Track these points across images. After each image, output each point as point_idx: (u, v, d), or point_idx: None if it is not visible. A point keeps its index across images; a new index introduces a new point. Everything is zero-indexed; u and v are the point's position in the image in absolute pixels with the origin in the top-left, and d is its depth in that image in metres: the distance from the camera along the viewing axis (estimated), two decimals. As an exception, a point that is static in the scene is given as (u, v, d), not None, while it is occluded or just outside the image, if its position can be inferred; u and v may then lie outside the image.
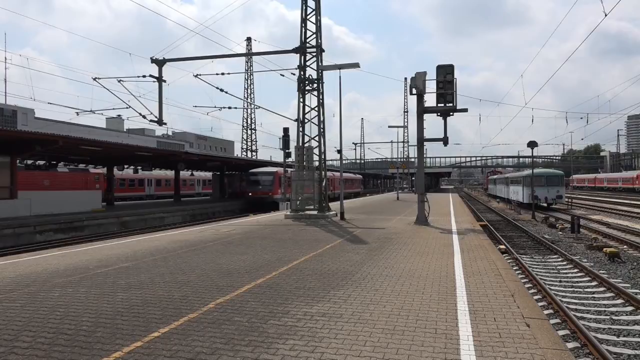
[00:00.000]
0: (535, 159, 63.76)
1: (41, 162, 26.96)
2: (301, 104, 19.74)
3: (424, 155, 17.38)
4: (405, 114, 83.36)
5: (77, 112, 28.11)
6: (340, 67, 17.80)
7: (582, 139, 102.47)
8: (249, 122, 65.38)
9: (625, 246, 16.11)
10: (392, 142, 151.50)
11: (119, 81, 19.57)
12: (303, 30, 19.58)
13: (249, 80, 63.75)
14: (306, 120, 20.11)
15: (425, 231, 13.64)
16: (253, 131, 65.55)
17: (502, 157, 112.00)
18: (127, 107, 20.85)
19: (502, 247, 15.56)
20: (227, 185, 45.00)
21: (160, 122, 20.34)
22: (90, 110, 24.95)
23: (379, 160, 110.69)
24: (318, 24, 19.57)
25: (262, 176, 36.36)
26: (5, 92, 79.73)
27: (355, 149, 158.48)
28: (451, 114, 15.92)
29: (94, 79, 19.72)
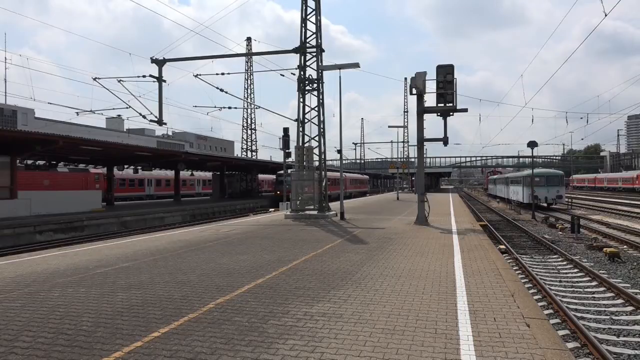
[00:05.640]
0: (535, 159, 63.76)
1: (41, 162, 26.97)
2: (301, 104, 19.74)
3: (424, 155, 17.38)
4: (405, 114, 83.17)
5: (77, 112, 28.17)
6: (340, 67, 17.79)
7: (582, 139, 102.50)
8: (249, 122, 65.28)
9: (625, 246, 16.11)
10: (392, 142, 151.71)
11: (118, 81, 19.59)
12: (303, 30, 19.57)
13: (248, 80, 63.65)
14: (306, 120, 20.11)
15: (425, 231, 13.64)
16: (253, 131, 65.46)
17: (502, 157, 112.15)
18: (127, 107, 20.87)
19: (502, 247, 15.55)
20: (227, 185, 45.12)
21: (160, 122, 20.35)
22: (90, 110, 24.90)
23: (379, 160, 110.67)
24: (318, 24, 19.56)
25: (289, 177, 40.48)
26: (5, 92, 79.81)
27: (355, 149, 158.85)
28: (451, 114, 15.93)
29: (94, 79, 19.74)
